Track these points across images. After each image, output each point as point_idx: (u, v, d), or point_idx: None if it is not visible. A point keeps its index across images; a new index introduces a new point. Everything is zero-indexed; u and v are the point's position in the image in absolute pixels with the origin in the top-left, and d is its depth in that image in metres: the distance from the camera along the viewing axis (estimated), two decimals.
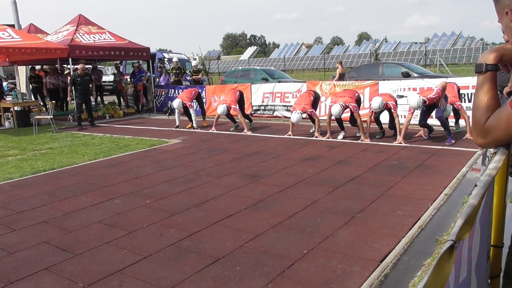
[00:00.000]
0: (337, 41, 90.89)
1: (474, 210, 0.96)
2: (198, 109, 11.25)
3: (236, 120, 9.94)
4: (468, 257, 1.14)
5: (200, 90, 11.53)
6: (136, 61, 14.95)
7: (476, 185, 1.09)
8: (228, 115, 9.78)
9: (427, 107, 7.26)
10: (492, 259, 1.61)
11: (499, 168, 1.22)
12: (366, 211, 4.16)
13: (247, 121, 9.87)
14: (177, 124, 10.47)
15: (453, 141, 7.18)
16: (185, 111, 10.46)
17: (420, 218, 3.90)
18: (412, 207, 4.22)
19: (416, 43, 54.74)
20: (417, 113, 7.51)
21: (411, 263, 3.11)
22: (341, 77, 16.17)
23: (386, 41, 56.68)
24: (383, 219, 3.93)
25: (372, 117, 7.84)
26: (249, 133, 9.27)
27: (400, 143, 7.33)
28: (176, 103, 10.15)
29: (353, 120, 8.21)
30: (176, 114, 10.52)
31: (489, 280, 1.61)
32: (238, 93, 9.79)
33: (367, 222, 3.86)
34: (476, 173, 5.42)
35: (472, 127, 1.32)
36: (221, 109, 9.40)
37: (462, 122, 8.20)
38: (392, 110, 7.55)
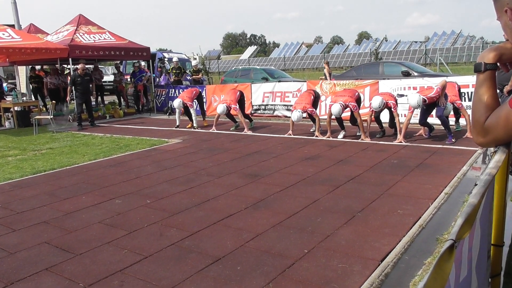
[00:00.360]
0: (337, 40, 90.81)
1: (474, 209, 0.96)
2: (198, 109, 11.25)
3: (237, 120, 9.95)
4: (469, 256, 1.14)
5: (200, 90, 11.53)
6: (136, 60, 14.96)
7: (476, 184, 1.09)
8: (228, 114, 9.78)
9: (427, 106, 7.26)
10: (493, 258, 1.61)
11: (499, 167, 1.22)
12: (366, 210, 4.16)
13: (247, 120, 9.87)
14: (177, 123, 10.48)
15: (453, 140, 7.18)
16: (186, 111, 10.46)
17: (420, 217, 3.90)
18: (412, 206, 4.21)
19: (416, 42, 54.73)
20: (417, 112, 7.51)
21: (412, 262, 3.11)
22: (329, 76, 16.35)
23: (386, 40, 56.59)
24: (384, 218, 3.93)
25: (373, 116, 7.84)
26: (249, 132, 9.27)
27: (401, 142, 7.32)
28: (176, 103, 10.16)
29: (353, 119, 8.20)
30: (176, 113, 10.52)
31: (489, 279, 1.61)
32: (238, 93, 9.80)
33: (367, 221, 3.86)
34: (477, 172, 5.42)
35: (472, 126, 1.31)
36: (220, 108, 9.40)
37: (462, 121, 8.20)
38: (392, 109, 7.55)
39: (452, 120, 8.19)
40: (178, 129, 10.30)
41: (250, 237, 3.62)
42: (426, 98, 7.08)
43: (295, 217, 4.04)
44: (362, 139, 7.80)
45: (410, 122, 7.40)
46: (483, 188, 1.06)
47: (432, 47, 42.74)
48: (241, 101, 9.72)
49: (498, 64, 1.30)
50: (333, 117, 7.93)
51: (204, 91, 12.66)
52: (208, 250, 3.41)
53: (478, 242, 1.29)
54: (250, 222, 3.97)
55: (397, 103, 7.65)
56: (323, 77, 16.72)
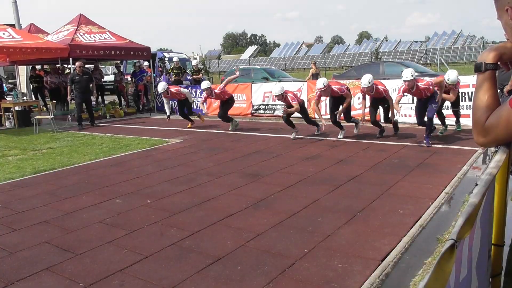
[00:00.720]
0: (337, 40, 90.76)
1: (475, 209, 0.96)
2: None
3: (236, 120, 9.97)
4: (469, 256, 1.14)
5: (195, 90, 11.40)
6: (137, 60, 14.95)
7: (477, 184, 1.09)
8: (225, 117, 9.77)
9: (420, 105, 7.18)
10: (493, 258, 1.61)
11: (500, 167, 1.22)
12: (367, 210, 4.16)
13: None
14: (167, 113, 10.41)
15: (430, 143, 6.97)
16: (181, 112, 10.46)
17: (421, 217, 3.90)
18: (413, 206, 4.21)
19: (416, 42, 54.68)
20: (413, 112, 7.46)
21: (412, 262, 3.11)
22: (315, 77, 16.34)
23: (387, 40, 56.58)
24: (384, 218, 3.93)
25: (369, 118, 7.77)
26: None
27: (396, 111, 7.21)
28: (160, 87, 9.90)
29: (348, 116, 8.17)
30: (165, 104, 10.50)
31: (490, 279, 1.61)
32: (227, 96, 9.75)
33: (368, 221, 3.86)
34: (477, 172, 5.41)
35: (473, 126, 1.31)
36: (204, 84, 9.60)
37: (462, 121, 8.19)
38: (385, 94, 7.48)
39: (452, 120, 8.19)
40: (178, 128, 10.29)
41: (251, 236, 3.62)
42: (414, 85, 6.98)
43: (296, 217, 4.04)
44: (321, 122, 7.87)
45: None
46: (484, 188, 1.06)
47: (432, 47, 42.66)
48: (229, 103, 9.69)
49: (499, 63, 1.30)
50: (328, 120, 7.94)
51: (204, 91, 12.61)
52: (208, 250, 3.41)
53: (479, 242, 1.29)
54: (251, 222, 3.97)
55: (387, 89, 7.61)
56: (309, 77, 16.60)
